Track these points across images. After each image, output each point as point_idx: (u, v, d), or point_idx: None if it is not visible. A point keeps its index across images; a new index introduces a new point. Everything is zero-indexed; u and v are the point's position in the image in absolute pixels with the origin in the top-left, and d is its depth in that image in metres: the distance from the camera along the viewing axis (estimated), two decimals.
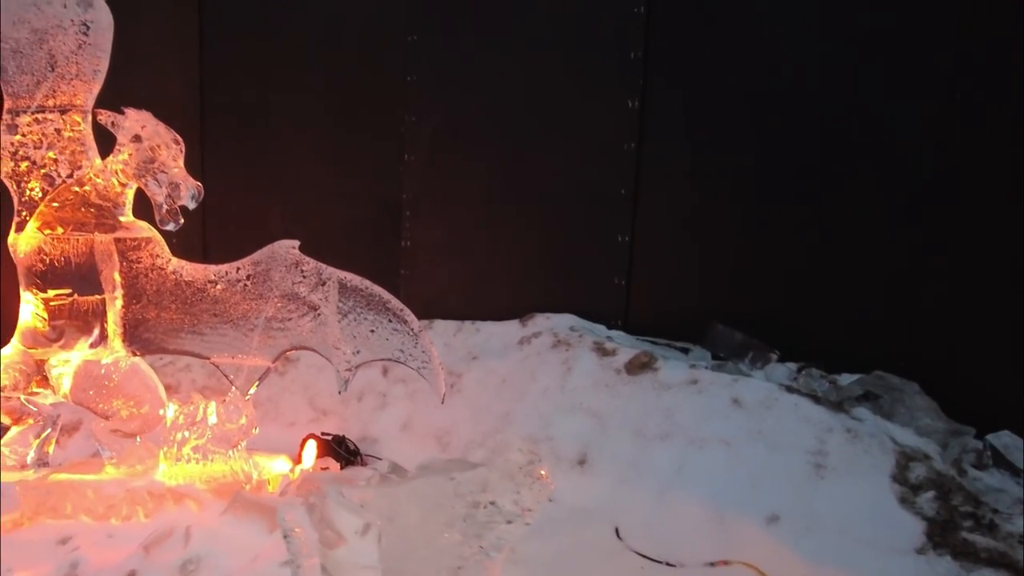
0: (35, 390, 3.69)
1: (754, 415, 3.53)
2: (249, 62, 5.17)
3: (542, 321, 4.51)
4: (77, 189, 3.66)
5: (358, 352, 3.54)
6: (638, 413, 3.78)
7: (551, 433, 3.88)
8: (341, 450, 4.18)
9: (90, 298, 3.67)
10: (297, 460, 4.11)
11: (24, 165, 3.68)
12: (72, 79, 3.67)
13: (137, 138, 3.59)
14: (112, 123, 3.62)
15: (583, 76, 4.55)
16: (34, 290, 3.65)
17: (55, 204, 3.64)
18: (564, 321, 4.47)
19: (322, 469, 3.91)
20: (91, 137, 3.72)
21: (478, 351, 4.48)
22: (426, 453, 4.09)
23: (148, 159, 3.59)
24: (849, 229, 3.98)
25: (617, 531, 3.41)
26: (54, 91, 3.68)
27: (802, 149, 4.09)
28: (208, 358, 3.71)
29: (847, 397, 3.63)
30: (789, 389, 3.60)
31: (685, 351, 4.16)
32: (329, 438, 4.21)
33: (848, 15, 3.94)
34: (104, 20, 3.64)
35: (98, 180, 3.65)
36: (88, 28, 3.64)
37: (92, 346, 3.70)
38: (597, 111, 4.50)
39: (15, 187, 3.70)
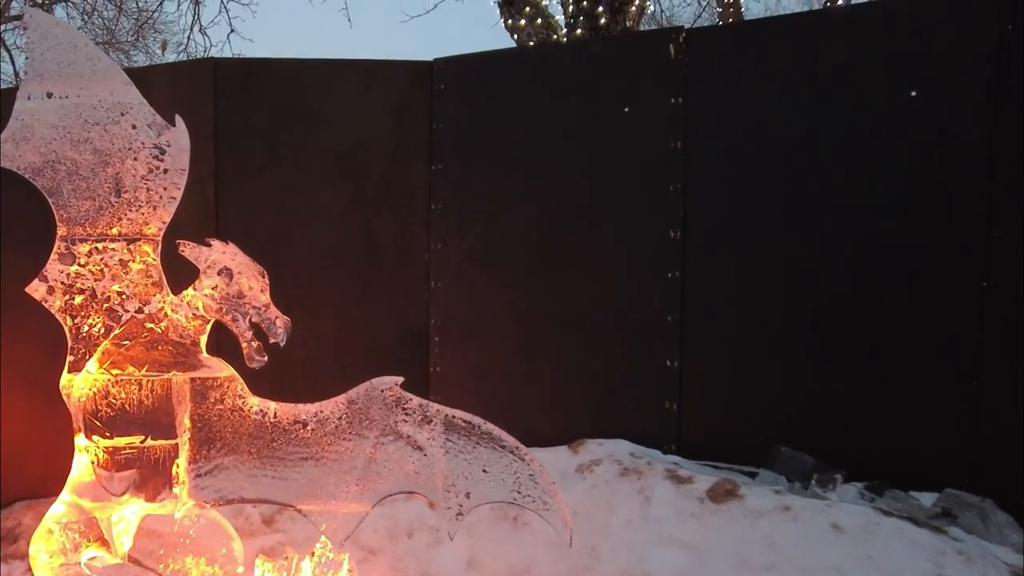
0: (94, 552, 3.27)
1: (859, 541, 3.56)
2: (267, 188, 4.96)
3: (595, 447, 4.44)
4: (151, 325, 3.36)
5: (469, 495, 3.35)
6: (735, 543, 3.74)
7: (648, 568, 3.77)
8: None
9: (162, 444, 3.33)
10: None
11: (80, 299, 3.36)
12: (141, 206, 3.41)
13: (226, 271, 3.35)
14: (196, 255, 3.37)
15: (621, 206, 4.65)
16: (96, 438, 3.28)
17: (125, 342, 3.33)
18: (620, 447, 4.41)
19: None
20: (160, 269, 3.45)
21: None
22: None
23: (237, 293, 3.35)
24: (903, 346, 4.16)
25: None
26: (119, 218, 3.40)
27: (848, 273, 4.29)
28: (294, 506, 3.41)
29: (931, 516, 3.74)
30: (885, 512, 3.67)
31: (752, 475, 4.19)
32: None
33: (888, 164, 4.23)
34: (181, 142, 3.42)
35: (176, 316, 3.37)
36: (162, 152, 3.41)
37: (161, 498, 3.33)
38: (638, 241, 4.60)
39: (70, 322, 3.36)
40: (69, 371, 3.34)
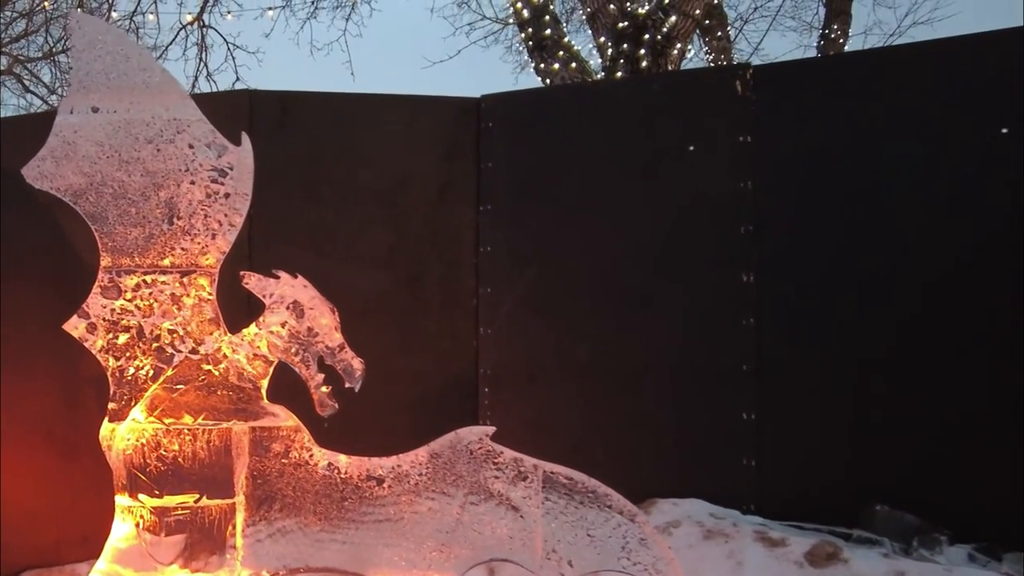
0: None
1: None
2: (304, 229, 4.60)
3: (669, 508, 4.07)
4: (208, 367, 2.96)
5: (572, 563, 2.95)
6: None
7: None
8: None
9: (218, 504, 2.91)
10: None
11: (125, 337, 2.97)
12: (197, 234, 3.04)
13: (295, 306, 2.98)
14: (261, 287, 3.00)
15: (689, 250, 4.38)
16: (142, 496, 2.85)
17: (178, 386, 2.92)
18: (697, 507, 4.05)
19: None
20: (216, 304, 3.06)
21: None
22: None
23: (307, 331, 2.98)
24: (996, 391, 3.88)
25: None
26: (171, 248, 3.03)
27: (935, 315, 4.02)
28: None
29: None
30: None
31: (845, 537, 3.84)
32: None
33: (973, 203, 4.01)
34: (245, 164, 3.07)
35: (236, 356, 2.98)
36: (223, 174, 3.06)
37: (214, 567, 2.89)
38: (708, 286, 4.32)
39: (113, 364, 2.96)
40: (110, 420, 2.93)
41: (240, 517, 2.94)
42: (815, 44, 9.59)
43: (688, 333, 4.33)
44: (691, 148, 4.40)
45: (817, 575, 3.53)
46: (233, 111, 4.53)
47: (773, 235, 4.28)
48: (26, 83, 15.90)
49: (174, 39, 9.61)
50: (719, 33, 8.85)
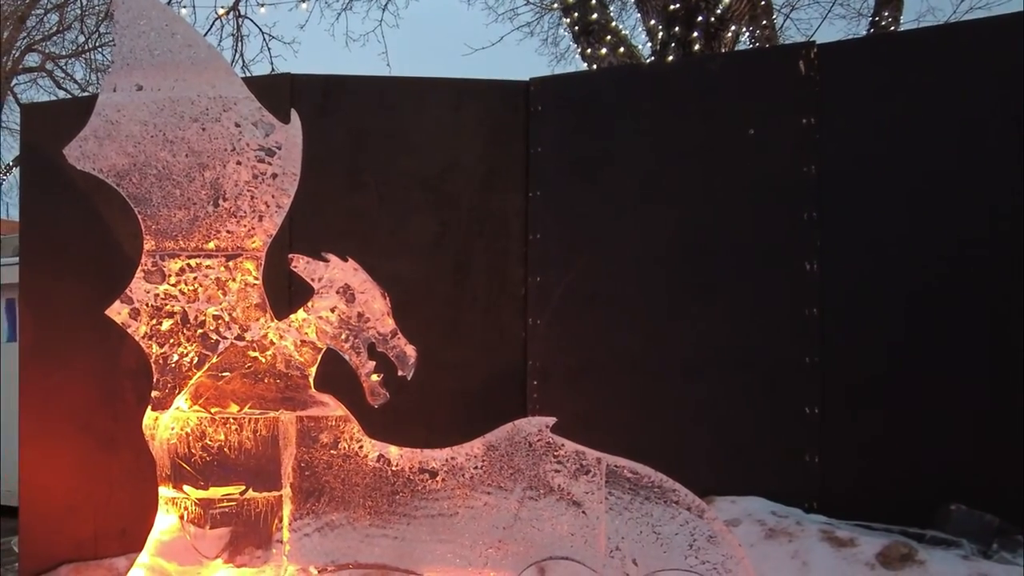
0: None
1: None
2: (347, 216, 4.47)
3: (728, 506, 3.88)
4: (255, 354, 2.84)
5: (636, 561, 2.79)
6: None
7: None
8: None
9: (266, 496, 2.78)
10: None
11: (169, 323, 2.85)
12: (244, 216, 2.92)
13: (347, 290, 2.85)
14: (310, 271, 2.87)
15: (749, 237, 4.18)
16: (186, 487, 2.73)
17: (223, 374, 2.80)
18: (757, 505, 3.87)
19: None
20: (262, 289, 2.93)
21: None
22: None
23: (358, 317, 2.84)
24: None
25: None
26: (217, 231, 2.91)
27: (1008, 304, 3.78)
28: (419, 574, 2.84)
29: None
30: None
31: (919, 538, 3.63)
32: None
33: None
34: (294, 143, 2.95)
35: (283, 343, 2.85)
36: (271, 154, 2.93)
37: (260, 562, 2.77)
38: (770, 275, 4.12)
39: (156, 351, 2.85)
40: (154, 408, 2.81)
41: (287, 510, 2.81)
42: (865, 32, 9.29)
43: (748, 324, 4.13)
44: (751, 131, 4.21)
45: None
46: (274, 96, 4.39)
47: (838, 222, 4.07)
48: (58, 80, 16.06)
49: (209, 28, 9.52)
50: (764, 22, 8.60)
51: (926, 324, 3.91)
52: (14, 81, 15.80)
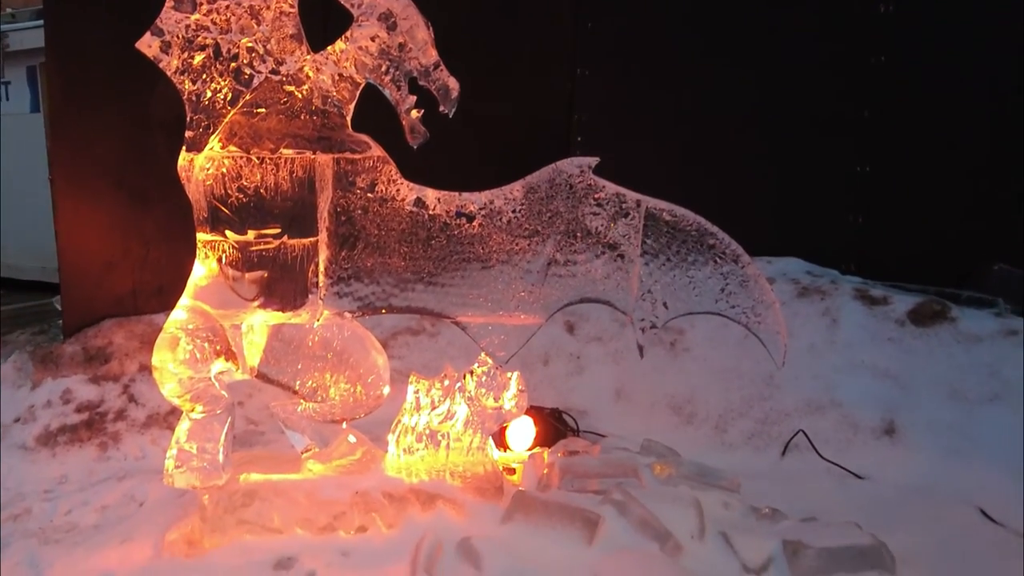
0: (220, 366, 2.75)
1: None
2: None
3: (762, 266, 3.83)
4: (291, 89, 2.72)
5: (667, 304, 2.80)
6: (946, 371, 3.23)
7: (837, 398, 3.29)
8: (561, 426, 3.44)
9: (302, 241, 2.76)
10: (500, 440, 3.35)
11: (201, 57, 2.70)
12: None
13: (387, 18, 2.68)
14: None
15: None
16: (225, 230, 2.72)
17: (258, 109, 2.71)
18: (792, 265, 3.86)
19: (570, 454, 3.13)
20: (298, 18, 2.76)
21: None
22: (664, 428, 3.42)
23: (399, 47, 2.70)
24: None
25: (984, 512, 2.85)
26: None
27: None
28: (452, 317, 2.87)
29: None
30: None
31: (955, 298, 3.62)
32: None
33: None
34: None
35: (322, 77, 2.72)
36: None
37: (296, 305, 2.79)
38: (831, 19, 3.85)
39: (189, 87, 2.71)
40: (188, 149, 2.72)
41: (323, 255, 2.81)
42: None
43: (806, 75, 3.90)
44: None
45: (919, 334, 3.35)
46: None
47: None
48: None
49: None
50: None
51: (987, 77, 3.68)
52: None
